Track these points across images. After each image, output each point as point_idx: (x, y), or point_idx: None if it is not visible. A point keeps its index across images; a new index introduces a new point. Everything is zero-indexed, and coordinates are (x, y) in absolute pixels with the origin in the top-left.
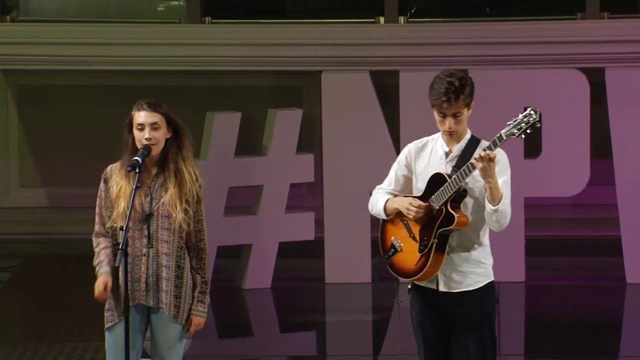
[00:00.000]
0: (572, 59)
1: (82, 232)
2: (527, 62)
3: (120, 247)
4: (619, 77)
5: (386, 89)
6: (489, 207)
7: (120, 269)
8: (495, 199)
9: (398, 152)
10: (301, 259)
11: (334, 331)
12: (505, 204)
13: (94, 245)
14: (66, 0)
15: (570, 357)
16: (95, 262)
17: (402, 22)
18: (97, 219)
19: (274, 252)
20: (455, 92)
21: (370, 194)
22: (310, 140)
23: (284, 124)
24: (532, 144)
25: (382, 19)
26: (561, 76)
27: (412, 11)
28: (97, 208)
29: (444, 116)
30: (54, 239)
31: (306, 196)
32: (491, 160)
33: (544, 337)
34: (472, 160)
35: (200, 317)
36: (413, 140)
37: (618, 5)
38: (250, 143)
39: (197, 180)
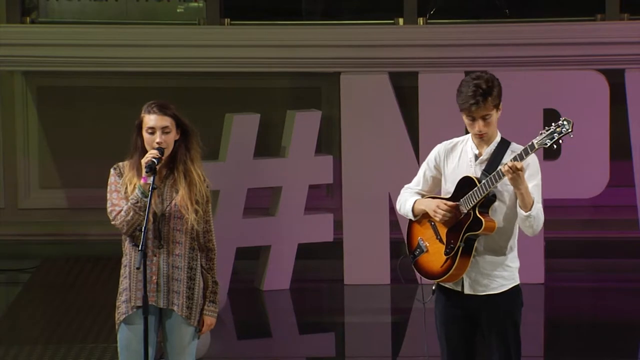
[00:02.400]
0: (592, 60)
1: (101, 233)
2: (547, 64)
3: (140, 248)
4: (638, 78)
5: (405, 90)
6: (521, 213)
7: (127, 271)
8: (527, 205)
9: (417, 153)
10: (320, 260)
11: (353, 332)
12: (538, 209)
13: (118, 211)
14: (85, 2)
15: (589, 358)
16: (130, 201)
17: (421, 23)
18: (112, 207)
19: (293, 253)
20: (482, 94)
21: (389, 196)
22: (329, 141)
23: (303, 126)
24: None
25: (401, 20)
26: (581, 77)
27: (432, 12)
28: (112, 199)
29: (473, 119)
30: (74, 240)
31: (325, 197)
32: (519, 170)
33: (564, 339)
34: (501, 169)
35: (211, 317)
36: (431, 142)
37: (638, 7)
38: (269, 144)
39: (204, 180)
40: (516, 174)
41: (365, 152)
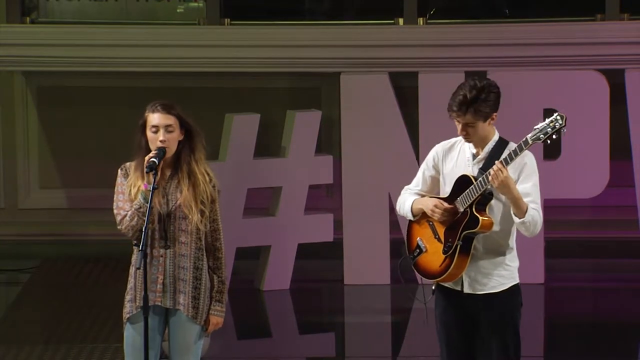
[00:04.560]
0: (592, 60)
1: (101, 233)
2: (547, 64)
3: (140, 248)
4: (638, 78)
5: (405, 90)
6: (515, 219)
7: (134, 270)
8: (521, 212)
9: (417, 153)
10: (320, 261)
11: (353, 332)
12: (533, 214)
13: (123, 216)
14: (85, 2)
15: (589, 358)
16: (134, 207)
17: (421, 23)
18: (117, 210)
19: (293, 253)
20: (466, 104)
21: (389, 196)
22: (329, 141)
23: (303, 126)
24: (551, 145)
25: (401, 21)
26: (581, 77)
27: (432, 12)
28: (117, 201)
29: (458, 122)
30: (74, 240)
31: (325, 198)
32: (504, 176)
33: (564, 339)
34: (491, 172)
35: (218, 317)
36: (431, 142)
37: (638, 7)
38: (269, 144)
39: (210, 181)
40: (502, 181)
41: (365, 152)
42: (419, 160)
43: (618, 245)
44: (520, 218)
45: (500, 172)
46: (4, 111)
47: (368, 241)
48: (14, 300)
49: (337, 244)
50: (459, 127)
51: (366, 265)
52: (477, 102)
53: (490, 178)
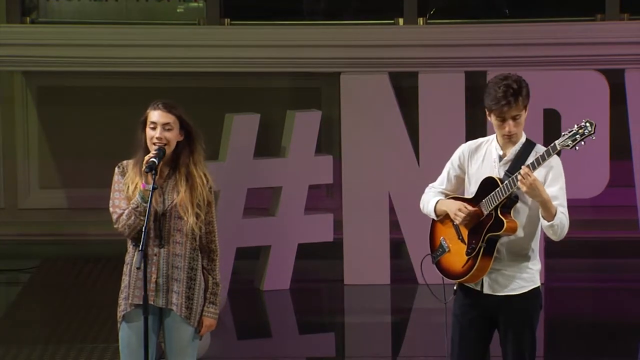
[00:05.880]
0: (592, 60)
1: (101, 233)
2: (547, 64)
3: (140, 248)
4: (638, 79)
5: (405, 90)
6: (544, 223)
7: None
8: (550, 214)
9: (417, 153)
10: (320, 261)
11: (353, 333)
12: (561, 218)
13: (119, 214)
14: (85, 2)
15: (589, 358)
16: (131, 206)
17: (421, 23)
18: (113, 209)
19: (293, 253)
20: (514, 94)
21: (389, 196)
22: (329, 141)
23: (303, 126)
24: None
25: (401, 21)
26: (580, 77)
27: (432, 12)
28: (114, 199)
29: (503, 120)
30: (74, 240)
31: (325, 198)
32: (532, 180)
33: (564, 339)
34: (518, 176)
35: (211, 319)
36: (431, 142)
37: (638, 7)
38: (269, 144)
39: (207, 183)
40: (530, 184)
41: (365, 152)
42: (419, 161)
43: (618, 245)
44: (549, 221)
45: (528, 175)
46: (4, 111)
47: (368, 241)
48: (14, 300)
49: (337, 244)
50: (506, 124)
51: (366, 265)
52: (522, 90)
53: (519, 183)
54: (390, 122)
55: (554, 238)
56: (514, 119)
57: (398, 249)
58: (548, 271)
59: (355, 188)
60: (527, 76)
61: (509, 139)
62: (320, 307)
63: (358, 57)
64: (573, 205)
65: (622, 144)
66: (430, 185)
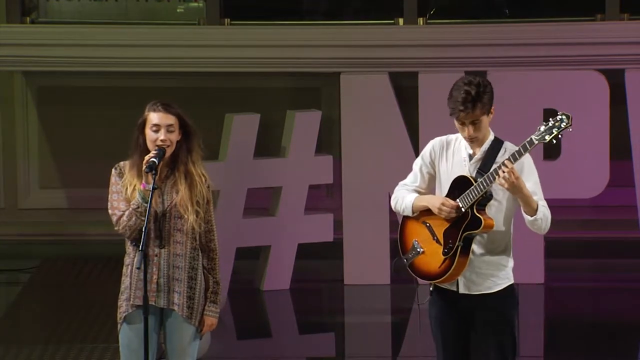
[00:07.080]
0: (592, 60)
1: (101, 233)
2: (547, 64)
3: (140, 249)
4: (638, 78)
5: (405, 90)
6: (527, 218)
7: (128, 270)
8: (532, 209)
9: (417, 153)
10: (320, 261)
11: (353, 333)
12: (543, 211)
13: (119, 216)
14: (85, 2)
15: (589, 358)
16: (131, 206)
17: (421, 23)
18: (112, 210)
19: (293, 253)
20: (472, 100)
21: (390, 196)
22: (329, 141)
23: (303, 126)
24: (551, 145)
25: (401, 20)
26: (581, 77)
27: (432, 12)
28: (112, 201)
29: (463, 124)
30: (74, 240)
31: (325, 197)
32: (515, 177)
33: (563, 339)
34: (496, 169)
35: (212, 318)
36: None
37: (638, 7)
38: (269, 144)
39: (205, 181)
40: (513, 182)
41: (365, 152)
42: None
43: (618, 245)
44: (532, 216)
45: (512, 173)
46: (4, 111)
47: (368, 241)
48: (14, 300)
49: (337, 244)
50: (466, 128)
51: (366, 265)
52: (480, 96)
53: (501, 180)
54: (390, 122)
55: (539, 232)
56: (473, 123)
57: (398, 249)
58: (548, 271)
59: (355, 188)
60: (527, 76)
61: (471, 142)
62: (320, 307)
63: (358, 57)
64: (573, 205)
65: (622, 144)
66: (401, 182)
